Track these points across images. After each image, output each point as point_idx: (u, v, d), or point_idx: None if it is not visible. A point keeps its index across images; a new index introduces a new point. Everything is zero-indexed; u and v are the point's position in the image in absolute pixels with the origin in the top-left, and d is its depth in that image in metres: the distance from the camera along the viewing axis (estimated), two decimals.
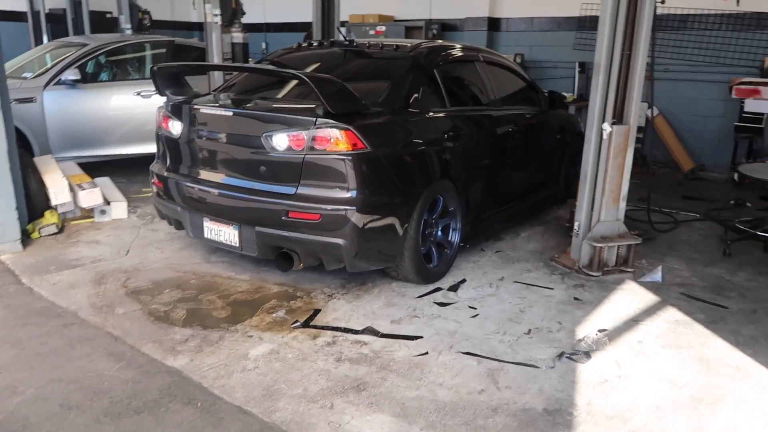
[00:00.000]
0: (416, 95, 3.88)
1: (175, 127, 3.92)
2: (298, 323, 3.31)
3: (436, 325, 3.36)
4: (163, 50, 7.25)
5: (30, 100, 5.94)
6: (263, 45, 12.01)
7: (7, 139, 4.21)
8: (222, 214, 3.67)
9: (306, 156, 3.35)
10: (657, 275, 4.08)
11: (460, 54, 4.63)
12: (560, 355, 3.05)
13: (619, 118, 4.02)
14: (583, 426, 2.50)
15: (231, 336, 3.17)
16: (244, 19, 6.76)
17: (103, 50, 6.68)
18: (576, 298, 3.76)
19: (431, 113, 3.95)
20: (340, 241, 3.35)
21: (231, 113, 3.70)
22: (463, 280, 3.98)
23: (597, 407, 2.64)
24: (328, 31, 6.98)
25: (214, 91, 4.43)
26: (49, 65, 6.43)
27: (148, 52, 7.29)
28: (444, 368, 2.91)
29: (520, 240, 4.86)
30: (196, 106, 3.83)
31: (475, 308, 3.58)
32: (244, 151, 3.58)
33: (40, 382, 2.70)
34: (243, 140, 3.58)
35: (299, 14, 10.39)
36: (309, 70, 4.14)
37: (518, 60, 8.91)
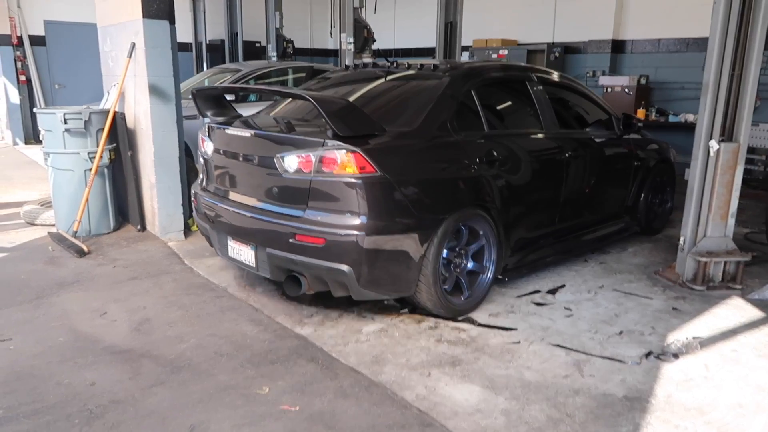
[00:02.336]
0: (445, 117, 3.66)
1: (209, 148, 3.98)
2: (406, 309, 3.76)
3: (530, 320, 3.66)
4: (303, 74, 8.17)
5: (194, 117, 6.98)
6: None
7: (179, 147, 5.15)
8: (241, 234, 3.69)
9: (313, 178, 3.28)
10: (767, 293, 4.05)
11: (507, 74, 4.40)
12: (648, 354, 3.24)
13: (728, 136, 4.09)
14: (659, 413, 2.70)
15: (348, 315, 3.69)
16: (376, 45, 7.47)
17: (253, 75, 7.71)
18: (675, 308, 3.86)
19: (463, 136, 3.70)
20: (344, 267, 3.24)
21: (249, 134, 3.67)
22: (563, 286, 4.23)
23: (676, 399, 2.81)
24: (450, 56, 7.48)
25: (257, 113, 4.46)
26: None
27: (290, 76, 8.26)
28: (533, 355, 3.22)
29: (626, 254, 4.97)
30: (221, 128, 3.85)
31: (571, 310, 3.83)
32: (261, 171, 3.56)
33: (199, 335, 3.39)
34: (260, 161, 3.56)
35: (425, 40, 11.06)
36: (344, 92, 4.09)
37: (642, 81, 8.86)
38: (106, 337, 3.36)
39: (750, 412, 2.72)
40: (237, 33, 11.59)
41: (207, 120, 4.10)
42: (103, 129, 5.08)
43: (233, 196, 3.79)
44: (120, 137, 5.23)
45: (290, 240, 3.34)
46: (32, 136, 11.00)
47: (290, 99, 4.30)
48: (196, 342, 3.31)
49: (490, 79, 4.19)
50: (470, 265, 3.78)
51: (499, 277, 3.95)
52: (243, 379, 2.92)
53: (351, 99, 3.81)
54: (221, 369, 3.02)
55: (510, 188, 3.88)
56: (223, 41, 11.95)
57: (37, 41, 11.02)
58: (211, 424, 2.56)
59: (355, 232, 3.19)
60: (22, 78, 10.99)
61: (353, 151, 3.19)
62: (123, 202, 5.47)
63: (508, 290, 4.11)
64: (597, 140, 4.72)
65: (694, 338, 3.42)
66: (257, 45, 12.44)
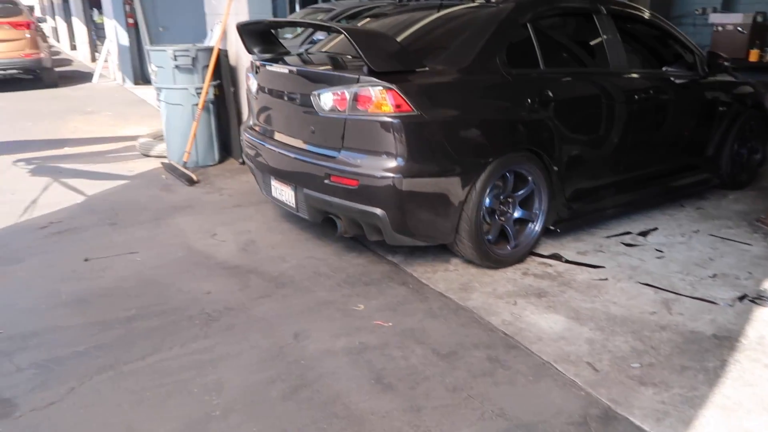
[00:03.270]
0: (495, 53, 3.39)
1: (253, 85, 3.93)
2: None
3: (619, 259, 3.67)
4: None
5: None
6: None
7: None
8: (281, 174, 3.66)
9: (348, 117, 3.14)
10: None
11: (570, 5, 3.99)
12: (742, 297, 3.18)
13: None
14: (748, 352, 2.69)
15: (437, 247, 3.82)
16: None
17: (346, 14, 7.76)
18: None
19: (515, 73, 3.42)
20: (377, 211, 3.14)
21: (287, 71, 3.56)
22: (655, 228, 4.16)
23: None
24: None
25: (307, 49, 4.31)
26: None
27: None
28: (620, 292, 3.25)
29: (726, 201, 4.78)
30: (263, 64, 3.77)
31: (662, 252, 3.78)
32: (299, 110, 3.47)
33: (299, 257, 3.68)
34: (299, 99, 3.46)
35: None
36: (395, 27, 3.80)
37: (759, 19, 8.14)
38: (217, 255, 3.71)
39: None
40: None
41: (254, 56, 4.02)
42: (208, 66, 5.39)
43: (275, 135, 3.75)
44: (223, 74, 5.54)
45: (325, 181, 3.26)
46: (141, 76, 11.70)
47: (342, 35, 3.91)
48: (296, 263, 3.59)
49: (548, 10, 3.82)
50: (517, 213, 3.59)
51: (551, 228, 3.74)
52: (340, 296, 3.17)
53: (401, 34, 3.58)
54: (320, 286, 3.28)
55: (567, 132, 3.61)
56: None
57: None
58: (312, 332, 2.82)
59: (391, 175, 3.06)
60: (130, 21, 11.64)
61: (388, 89, 3.00)
62: (226, 136, 5.83)
63: (597, 230, 4.10)
64: (676, 81, 4.30)
65: None
66: None
